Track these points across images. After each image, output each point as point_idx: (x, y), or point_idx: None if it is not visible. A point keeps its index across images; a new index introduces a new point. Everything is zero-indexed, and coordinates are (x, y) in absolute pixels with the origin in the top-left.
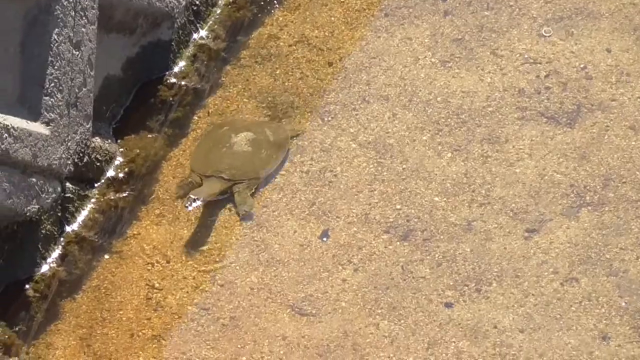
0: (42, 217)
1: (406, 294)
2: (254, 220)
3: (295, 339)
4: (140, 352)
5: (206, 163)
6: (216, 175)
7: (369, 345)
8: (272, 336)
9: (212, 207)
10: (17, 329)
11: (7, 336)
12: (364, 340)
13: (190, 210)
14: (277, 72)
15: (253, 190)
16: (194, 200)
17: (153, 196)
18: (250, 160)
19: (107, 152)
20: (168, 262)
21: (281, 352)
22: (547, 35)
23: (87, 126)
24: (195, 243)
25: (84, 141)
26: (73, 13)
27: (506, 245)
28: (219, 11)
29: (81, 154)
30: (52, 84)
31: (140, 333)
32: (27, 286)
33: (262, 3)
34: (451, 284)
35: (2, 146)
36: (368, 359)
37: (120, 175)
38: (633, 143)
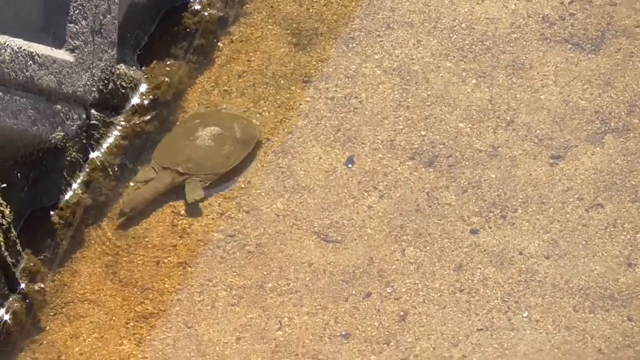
0: (67, 144)
1: (431, 221)
2: (279, 147)
3: (321, 266)
4: (166, 279)
5: (166, 154)
6: (171, 168)
7: (394, 271)
8: (298, 263)
9: None
10: (42, 256)
11: (32, 263)
12: (389, 267)
13: (127, 212)
14: None
15: (207, 185)
16: (126, 207)
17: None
18: (210, 155)
19: (131, 79)
20: None
21: (307, 278)
22: None
23: (112, 53)
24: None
25: (109, 68)
26: None
27: (531, 172)
28: None
29: (106, 81)
30: (77, 11)
31: (165, 260)
32: (52, 213)
33: None
34: (476, 210)
35: (27, 73)
36: (394, 285)
37: (145, 102)
38: None
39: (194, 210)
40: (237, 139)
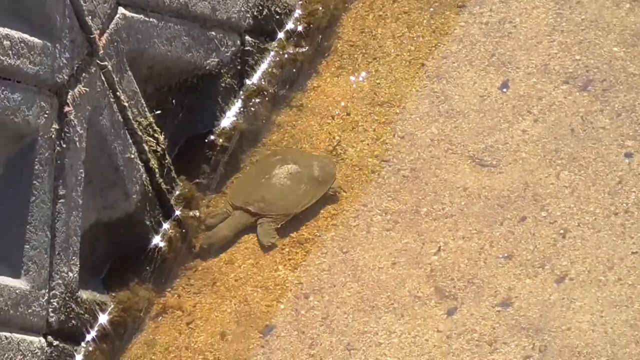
0: (222, 71)
1: (586, 144)
2: (434, 72)
3: (475, 190)
4: (321, 204)
5: (241, 192)
6: (244, 207)
7: (549, 195)
8: (453, 187)
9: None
10: (197, 182)
11: (187, 189)
12: (544, 191)
13: (205, 248)
14: None
15: (278, 226)
16: (205, 244)
17: (332, 49)
18: (284, 194)
19: (286, 5)
20: (348, 114)
21: (462, 203)
22: None
23: None
24: (375, 95)
25: None
26: None
27: None
28: None
29: (260, 7)
30: None
31: None
32: (207, 139)
33: None
34: (631, 134)
35: (181, 0)
36: (549, 209)
37: (300, 28)
38: None
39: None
40: (315, 177)
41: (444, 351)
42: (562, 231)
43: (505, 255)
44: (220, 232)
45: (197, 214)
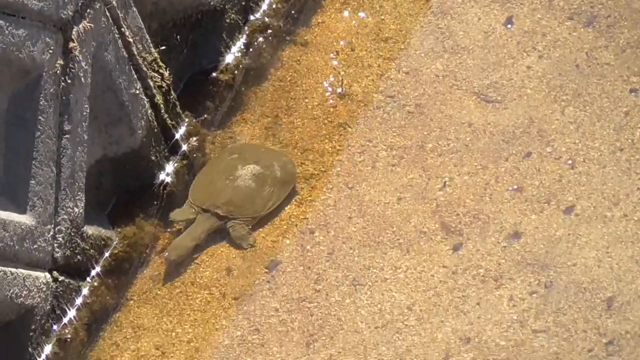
0: (227, 6)
1: (591, 81)
2: (438, 8)
3: (480, 126)
4: (326, 140)
5: (205, 194)
6: (211, 210)
7: (554, 131)
8: (458, 123)
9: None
10: (202, 118)
11: (192, 126)
12: (549, 127)
13: (173, 260)
14: None
15: (250, 227)
16: (171, 255)
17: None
18: (251, 197)
19: None
20: (353, 50)
21: (467, 138)
22: None
23: None
24: (379, 31)
25: None
26: None
27: None
28: None
29: None
30: None
31: (325, 121)
32: (212, 75)
33: None
34: (636, 70)
35: None
36: (554, 145)
37: None
38: None
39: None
40: (278, 178)
41: (449, 287)
42: (567, 167)
43: (511, 190)
44: (184, 243)
45: (203, 149)
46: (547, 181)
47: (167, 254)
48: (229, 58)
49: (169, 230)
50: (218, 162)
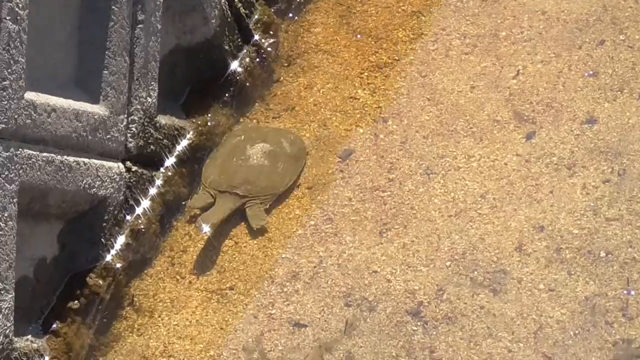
0: None
1: None
2: None
3: (554, 14)
4: (399, 28)
5: (220, 177)
6: (230, 191)
7: (627, 19)
8: (532, 11)
9: None
10: (276, 7)
11: (266, 15)
12: (622, 14)
13: (204, 233)
14: None
15: (267, 206)
16: (204, 227)
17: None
18: (266, 174)
19: None
20: None
21: (540, 26)
22: None
23: None
24: None
25: None
26: None
27: None
28: None
29: None
30: None
31: (399, 9)
32: None
33: None
34: None
35: None
36: (627, 32)
37: None
38: None
39: None
40: (289, 154)
41: (522, 175)
42: None
43: (584, 78)
44: (208, 220)
45: (277, 38)
46: (620, 69)
47: (199, 225)
48: None
49: (241, 119)
50: (224, 146)
